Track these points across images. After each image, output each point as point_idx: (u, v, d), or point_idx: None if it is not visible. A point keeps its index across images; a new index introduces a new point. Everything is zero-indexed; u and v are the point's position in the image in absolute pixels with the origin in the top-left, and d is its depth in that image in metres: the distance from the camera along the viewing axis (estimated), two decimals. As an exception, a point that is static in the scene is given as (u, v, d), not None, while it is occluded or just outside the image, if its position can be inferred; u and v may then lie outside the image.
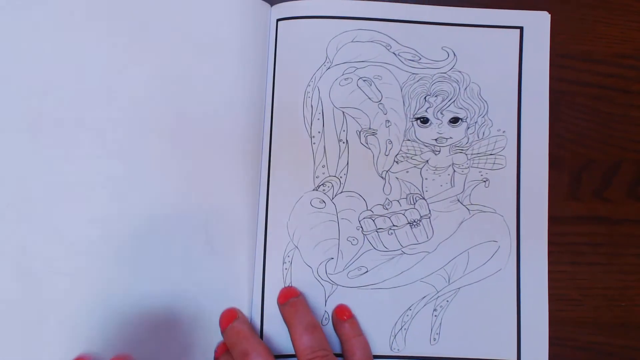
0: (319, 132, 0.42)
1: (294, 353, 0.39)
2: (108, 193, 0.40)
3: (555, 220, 0.41)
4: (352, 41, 0.42)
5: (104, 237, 0.40)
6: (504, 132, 0.42)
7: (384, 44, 0.43)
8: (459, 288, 0.41)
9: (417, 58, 0.43)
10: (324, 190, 0.42)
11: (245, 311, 0.40)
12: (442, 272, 0.41)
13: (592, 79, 0.43)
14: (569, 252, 0.41)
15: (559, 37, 0.42)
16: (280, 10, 0.43)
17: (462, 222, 0.42)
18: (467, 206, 0.42)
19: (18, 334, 0.39)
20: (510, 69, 0.43)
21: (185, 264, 0.40)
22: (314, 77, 0.42)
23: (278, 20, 0.43)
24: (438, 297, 0.41)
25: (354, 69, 0.42)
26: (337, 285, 0.41)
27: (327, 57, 0.42)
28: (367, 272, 0.41)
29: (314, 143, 0.42)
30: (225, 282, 0.40)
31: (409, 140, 0.42)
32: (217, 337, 0.39)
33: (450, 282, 0.41)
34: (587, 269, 0.41)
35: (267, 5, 0.43)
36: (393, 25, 0.43)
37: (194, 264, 0.40)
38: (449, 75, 0.42)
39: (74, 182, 0.40)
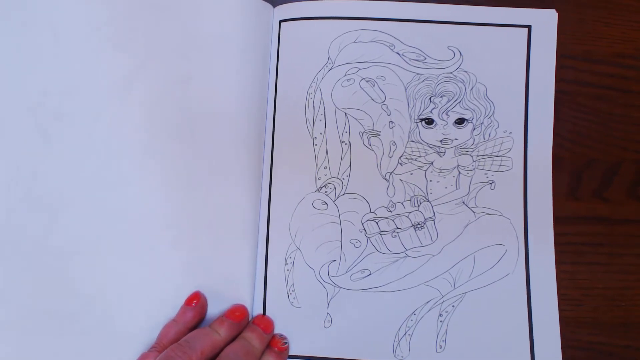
0: (321, 133, 0.42)
1: (296, 354, 0.40)
2: (114, 191, 0.40)
3: (555, 220, 0.41)
4: (354, 41, 0.42)
5: (106, 235, 0.40)
6: (510, 133, 0.42)
7: (388, 44, 0.42)
8: (465, 293, 0.40)
9: (422, 58, 0.42)
10: (326, 192, 0.41)
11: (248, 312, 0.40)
12: (447, 276, 0.41)
13: (592, 79, 0.43)
14: (569, 252, 0.41)
15: (560, 37, 0.42)
16: (283, 11, 0.43)
17: (467, 225, 0.41)
18: (472, 209, 0.41)
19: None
20: (517, 69, 0.42)
21: (187, 264, 0.40)
22: (315, 78, 0.42)
23: (281, 21, 0.43)
24: (443, 301, 0.40)
25: (357, 69, 0.42)
26: (340, 287, 0.41)
27: (329, 58, 0.42)
28: (370, 274, 0.41)
29: (316, 144, 0.42)
30: (227, 283, 0.40)
31: (413, 141, 0.42)
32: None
33: (456, 286, 0.40)
34: (587, 268, 0.41)
35: (269, 6, 0.43)
36: (397, 25, 0.42)
37: (196, 265, 0.40)
38: (455, 75, 0.42)
39: (84, 180, 0.40)
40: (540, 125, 0.42)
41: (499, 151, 0.42)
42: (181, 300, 0.39)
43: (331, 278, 0.41)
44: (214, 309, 0.40)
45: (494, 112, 0.42)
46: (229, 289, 0.40)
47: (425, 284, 0.41)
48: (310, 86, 0.42)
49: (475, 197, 0.41)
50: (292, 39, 0.43)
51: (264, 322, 0.39)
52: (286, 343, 0.39)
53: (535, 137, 0.41)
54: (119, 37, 0.41)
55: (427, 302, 0.40)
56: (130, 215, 0.40)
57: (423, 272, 0.41)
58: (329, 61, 0.42)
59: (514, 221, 0.41)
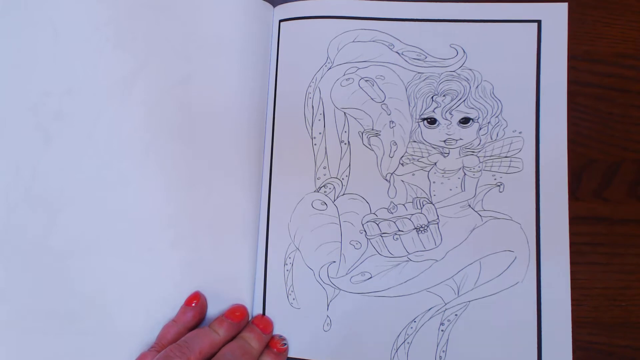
0: (320, 133, 0.41)
1: (295, 356, 0.40)
2: (114, 191, 0.40)
3: (555, 220, 0.41)
4: (353, 41, 0.42)
5: (106, 235, 0.40)
6: (520, 132, 0.40)
7: (387, 44, 0.42)
8: (469, 301, 0.39)
9: (422, 57, 0.42)
10: (325, 192, 0.41)
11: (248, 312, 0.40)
12: (451, 283, 0.39)
13: (592, 78, 0.43)
14: (569, 252, 0.41)
15: (559, 37, 0.42)
16: (283, 11, 0.43)
17: (473, 229, 0.39)
18: (479, 212, 0.40)
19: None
20: (527, 65, 0.41)
21: (187, 264, 0.40)
22: (314, 78, 0.42)
23: (280, 21, 0.43)
24: (446, 309, 0.39)
25: (356, 69, 0.42)
26: (340, 289, 0.40)
27: (328, 57, 0.42)
28: (371, 277, 0.40)
29: (315, 144, 0.41)
30: (227, 283, 0.40)
31: (415, 141, 0.41)
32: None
33: (460, 294, 0.39)
34: (587, 268, 0.41)
35: (269, 6, 0.43)
36: (396, 24, 0.42)
37: (196, 265, 0.40)
38: (458, 74, 0.41)
39: (84, 179, 0.40)
40: (553, 123, 0.40)
41: (508, 151, 0.40)
42: (181, 300, 0.39)
43: (331, 279, 0.40)
44: (214, 309, 0.40)
45: (501, 110, 0.40)
46: (229, 289, 0.40)
47: (428, 290, 0.39)
48: (309, 85, 0.42)
49: (482, 200, 0.40)
50: (291, 38, 0.42)
51: (263, 322, 0.39)
52: (285, 344, 0.39)
53: (549, 135, 0.40)
54: (119, 37, 0.41)
55: (429, 310, 0.39)
56: (130, 215, 0.40)
57: (425, 278, 0.39)
58: (328, 60, 0.42)
59: (524, 226, 0.39)
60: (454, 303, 0.39)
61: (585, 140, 0.42)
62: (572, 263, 0.41)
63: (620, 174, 0.42)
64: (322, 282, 0.40)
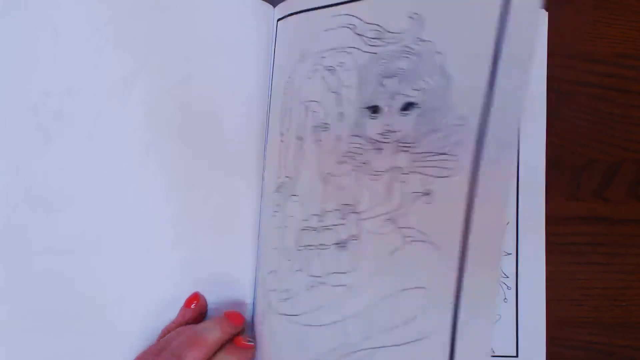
0: (288, 129, 0.38)
1: None
2: (114, 191, 0.40)
3: (555, 220, 0.41)
4: (324, 30, 0.36)
5: (106, 235, 0.40)
6: (464, 120, 0.29)
7: (351, 26, 0.35)
8: (375, 348, 0.30)
9: (381, 35, 0.33)
10: (280, 192, 0.37)
11: (247, 314, 0.40)
12: (359, 321, 0.31)
13: (592, 79, 0.43)
14: (569, 252, 0.41)
15: (560, 37, 0.42)
16: (281, 10, 0.42)
17: (394, 252, 0.30)
18: (401, 229, 0.30)
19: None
20: (486, 29, 0.29)
21: (187, 264, 0.40)
22: (290, 75, 0.39)
23: (277, 20, 0.43)
24: (350, 353, 0.31)
25: (322, 58, 0.36)
26: (269, 303, 0.36)
27: (302, 51, 0.38)
28: (288, 299, 0.35)
29: (282, 141, 0.38)
30: (227, 283, 0.40)
31: (355, 135, 0.33)
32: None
33: (367, 336, 0.30)
34: (587, 268, 0.41)
35: (269, 6, 0.43)
36: (360, 4, 0.35)
37: (196, 265, 0.40)
38: (412, 48, 0.32)
39: (85, 179, 0.40)
40: (509, 106, 0.27)
41: (445, 146, 0.29)
42: (181, 301, 0.39)
43: (268, 291, 0.36)
44: (213, 310, 0.40)
45: (449, 90, 0.30)
46: (229, 289, 0.40)
47: (334, 323, 0.32)
48: (287, 82, 0.39)
49: (406, 213, 0.30)
50: (283, 36, 0.41)
51: (232, 315, 0.37)
52: (250, 341, 0.37)
53: (499, 124, 0.28)
54: (119, 37, 0.41)
55: (331, 351, 0.31)
56: (130, 215, 0.40)
57: (334, 308, 0.32)
58: (301, 55, 0.38)
59: (445, 253, 0.28)
60: (358, 347, 0.31)
61: (585, 140, 0.42)
62: (572, 263, 0.41)
63: (621, 174, 0.42)
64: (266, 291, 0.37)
